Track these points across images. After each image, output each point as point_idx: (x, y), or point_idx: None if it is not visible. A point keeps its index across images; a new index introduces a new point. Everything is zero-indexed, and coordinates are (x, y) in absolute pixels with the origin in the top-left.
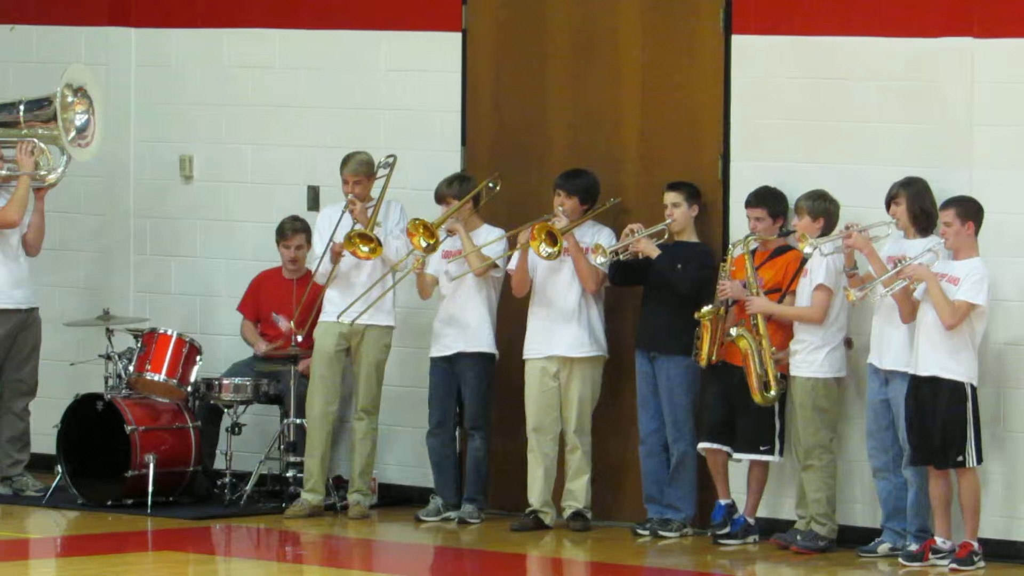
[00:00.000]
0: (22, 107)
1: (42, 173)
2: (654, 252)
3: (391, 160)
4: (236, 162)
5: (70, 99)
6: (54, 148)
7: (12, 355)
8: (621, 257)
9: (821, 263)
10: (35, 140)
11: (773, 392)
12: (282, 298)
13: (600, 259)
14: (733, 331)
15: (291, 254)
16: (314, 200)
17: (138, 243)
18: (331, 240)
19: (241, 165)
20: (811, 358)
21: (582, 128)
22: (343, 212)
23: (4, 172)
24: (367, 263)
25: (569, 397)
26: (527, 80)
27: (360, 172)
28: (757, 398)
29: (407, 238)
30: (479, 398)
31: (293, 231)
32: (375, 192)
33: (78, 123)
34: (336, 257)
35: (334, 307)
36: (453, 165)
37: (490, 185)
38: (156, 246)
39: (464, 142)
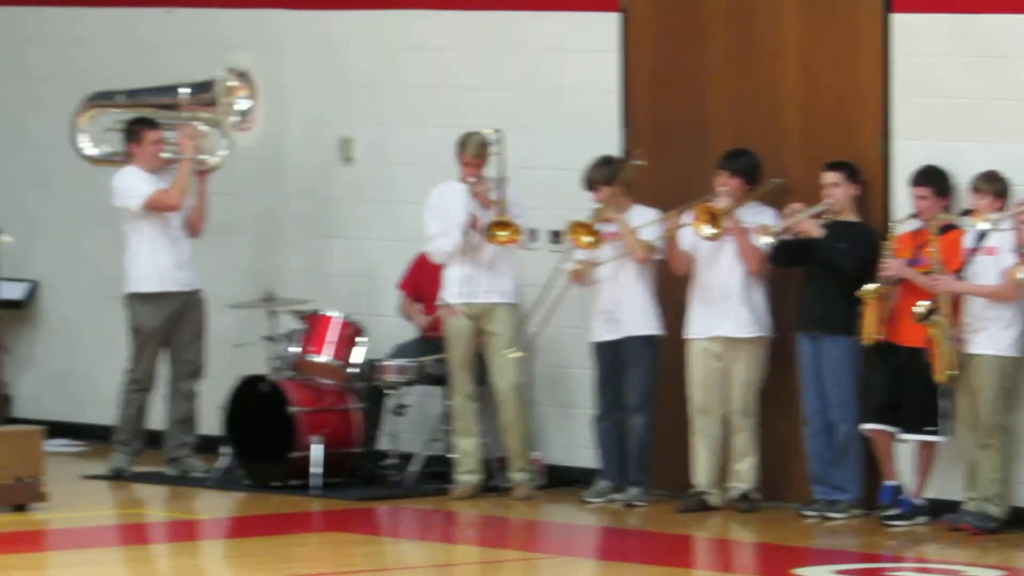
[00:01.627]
0: (184, 91)
1: (203, 157)
2: (818, 232)
3: (498, 135)
4: (396, 143)
5: (233, 83)
6: (216, 131)
7: (177, 336)
8: (784, 238)
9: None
10: (197, 124)
11: (954, 371)
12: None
13: (766, 240)
14: (918, 309)
15: None
16: None
17: (300, 225)
18: (468, 220)
19: (401, 146)
20: (1001, 336)
21: (742, 108)
22: (470, 197)
23: (166, 155)
24: (490, 247)
25: (733, 378)
26: (686, 60)
27: (481, 154)
28: (942, 378)
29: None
30: (643, 380)
31: None
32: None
33: (240, 108)
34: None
35: (461, 288)
36: (612, 146)
37: (635, 162)
38: (318, 228)
39: (623, 123)
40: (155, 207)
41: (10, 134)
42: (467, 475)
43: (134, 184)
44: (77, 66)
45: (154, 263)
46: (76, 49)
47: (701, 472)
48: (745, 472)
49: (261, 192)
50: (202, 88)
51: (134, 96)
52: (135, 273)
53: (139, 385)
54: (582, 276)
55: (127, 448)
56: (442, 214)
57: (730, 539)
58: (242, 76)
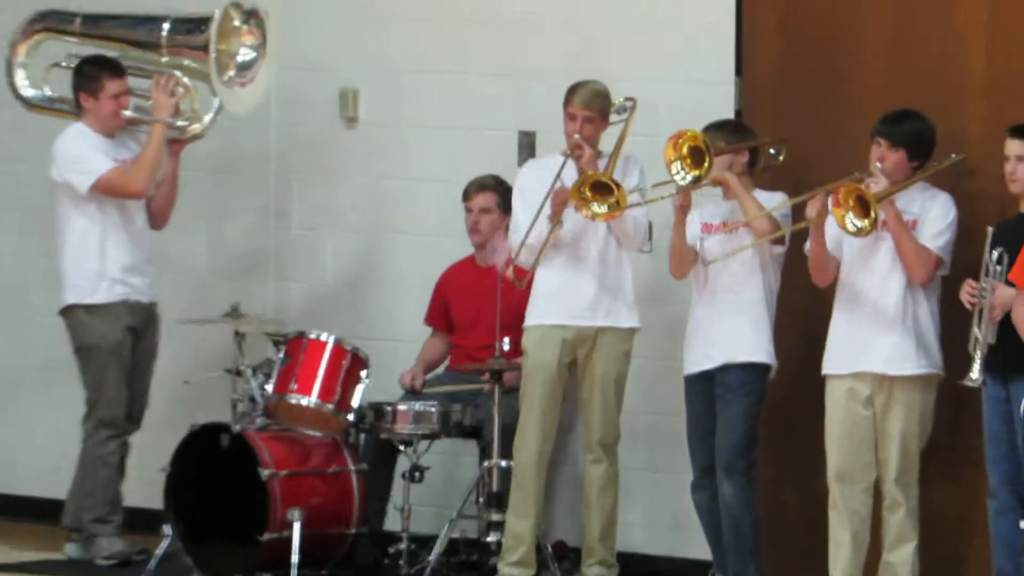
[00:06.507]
0: (167, 25)
1: (181, 123)
2: None
3: (630, 104)
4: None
5: (237, 23)
6: (203, 89)
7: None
8: None
9: None
10: (177, 74)
11: None
12: (473, 291)
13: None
14: None
15: (474, 217)
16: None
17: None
18: (549, 192)
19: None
20: None
21: (905, 53)
22: (564, 161)
23: (129, 113)
24: (596, 236)
25: (888, 432)
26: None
27: (594, 105)
28: None
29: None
30: (740, 426)
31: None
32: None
33: (241, 59)
34: (557, 215)
35: (552, 306)
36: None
37: (771, 152)
38: (313, 210)
39: (739, 71)
40: (110, 191)
41: None
42: (517, 568)
43: (86, 155)
44: None
45: (102, 264)
46: None
47: (840, 562)
48: (903, 564)
49: (233, 159)
50: (194, 25)
51: (96, 23)
52: (78, 277)
53: (112, 429)
54: (686, 263)
55: (106, 527)
56: (535, 199)
57: None
58: (251, 17)
